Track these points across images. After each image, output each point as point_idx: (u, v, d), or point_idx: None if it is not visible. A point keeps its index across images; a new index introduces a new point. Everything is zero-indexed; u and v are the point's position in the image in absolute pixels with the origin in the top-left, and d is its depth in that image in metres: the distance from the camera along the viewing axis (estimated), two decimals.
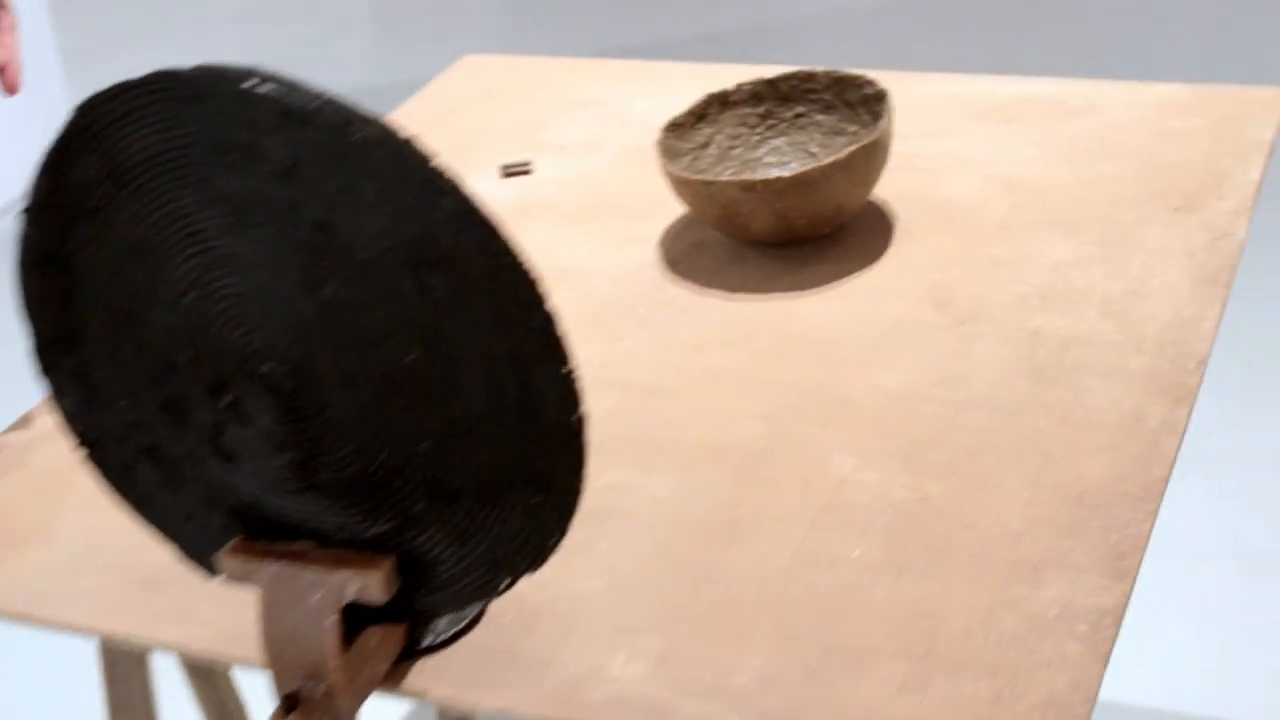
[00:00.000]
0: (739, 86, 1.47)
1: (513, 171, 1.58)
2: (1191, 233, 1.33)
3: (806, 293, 1.33)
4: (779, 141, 1.47)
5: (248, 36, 4.46)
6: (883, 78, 1.52)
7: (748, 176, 1.32)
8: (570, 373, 0.85)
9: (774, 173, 1.44)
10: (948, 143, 1.53)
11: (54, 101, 3.51)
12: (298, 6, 4.70)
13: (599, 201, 1.52)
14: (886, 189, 1.45)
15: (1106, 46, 3.77)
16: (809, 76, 1.45)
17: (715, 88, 1.47)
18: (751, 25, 4.23)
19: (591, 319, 1.33)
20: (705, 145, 1.45)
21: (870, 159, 1.33)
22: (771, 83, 1.47)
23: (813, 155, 1.45)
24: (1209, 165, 1.44)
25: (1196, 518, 2.24)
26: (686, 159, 1.43)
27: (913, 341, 1.24)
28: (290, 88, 0.82)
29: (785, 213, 1.33)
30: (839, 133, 1.45)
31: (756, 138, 1.47)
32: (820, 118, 1.46)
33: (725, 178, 1.33)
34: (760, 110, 1.47)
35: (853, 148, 1.31)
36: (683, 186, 1.35)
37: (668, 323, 1.31)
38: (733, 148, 1.46)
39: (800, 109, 1.46)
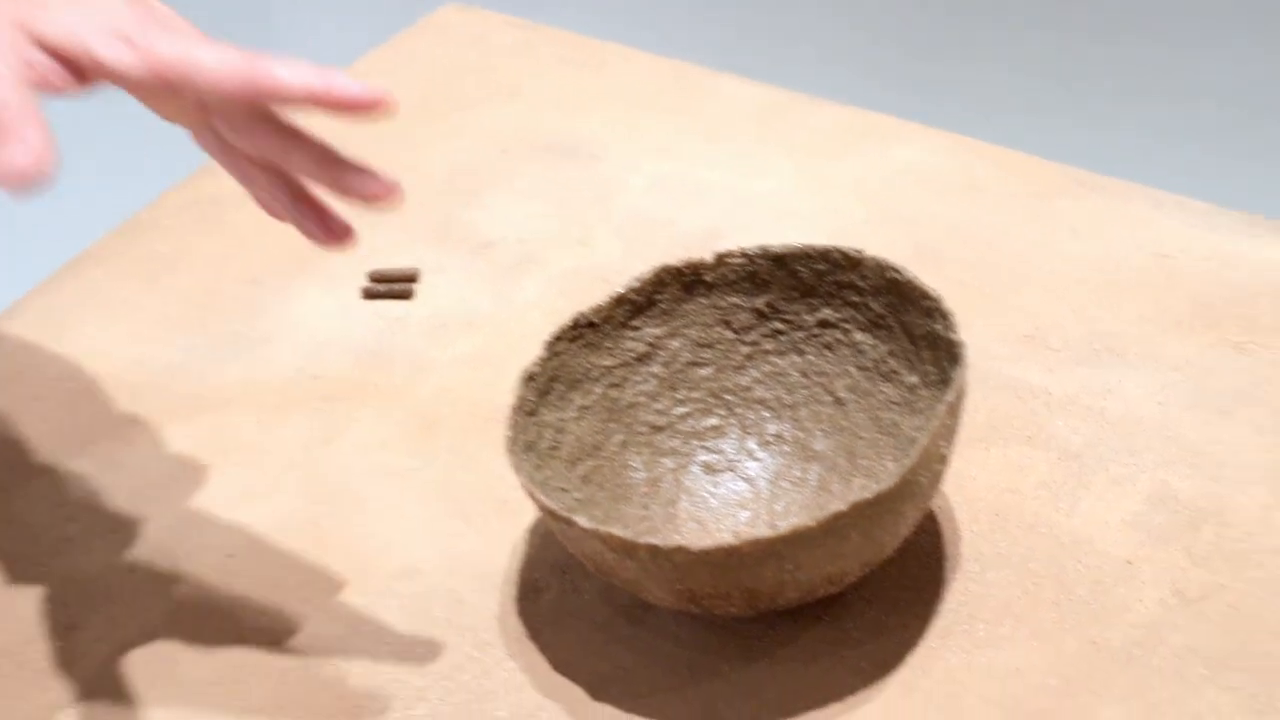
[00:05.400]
0: (722, 258, 0.80)
1: (382, 289, 0.94)
2: None
3: None
4: (783, 363, 0.80)
5: None
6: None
7: (618, 532, 0.67)
8: None
9: (745, 466, 0.78)
10: (1118, 373, 0.84)
11: None
12: None
13: (468, 407, 0.87)
14: (960, 483, 0.78)
15: None
16: (850, 262, 0.78)
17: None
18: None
19: None
20: (645, 358, 0.80)
21: (888, 513, 0.67)
22: (781, 260, 0.79)
23: (839, 403, 0.79)
24: None
25: None
26: (595, 388, 0.78)
27: None
28: None
29: (698, 595, 0.69)
30: (888, 377, 0.77)
31: (745, 349, 0.81)
32: (860, 338, 0.78)
33: (583, 521, 0.68)
34: (757, 303, 0.80)
35: (839, 507, 0.65)
36: (534, 499, 0.71)
37: None
38: (698, 364, 0.80)
39: (828, 314, 0.79)
